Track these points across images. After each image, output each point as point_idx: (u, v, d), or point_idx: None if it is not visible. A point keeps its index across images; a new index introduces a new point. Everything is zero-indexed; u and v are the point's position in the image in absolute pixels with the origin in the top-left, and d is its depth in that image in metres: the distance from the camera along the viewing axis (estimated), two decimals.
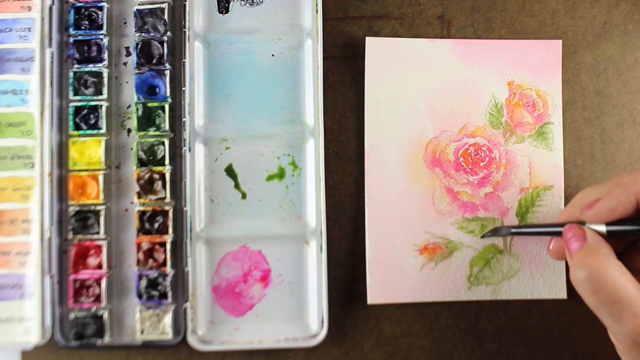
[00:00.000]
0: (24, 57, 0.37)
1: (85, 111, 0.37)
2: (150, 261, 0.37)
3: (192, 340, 0.37)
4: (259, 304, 0.38)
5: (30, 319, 0.36)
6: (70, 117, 0.37)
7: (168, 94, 0.38)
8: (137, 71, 0.38)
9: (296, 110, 0.39)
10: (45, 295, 0.37)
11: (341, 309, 0.39)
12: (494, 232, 0.38)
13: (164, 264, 0.37)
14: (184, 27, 0.38)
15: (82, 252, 0.37)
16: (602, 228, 0.32)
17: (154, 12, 0.38)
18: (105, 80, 0.38)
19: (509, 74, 0.39)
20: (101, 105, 0.37)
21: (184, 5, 0.38)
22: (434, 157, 0.39)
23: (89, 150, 0.37)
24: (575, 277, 0.30)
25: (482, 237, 0.38)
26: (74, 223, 0.37)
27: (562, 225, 0.34)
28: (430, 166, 0.39)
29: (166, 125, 0.37)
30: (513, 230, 0.37)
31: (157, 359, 0.38)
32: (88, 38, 0.38)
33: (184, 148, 0.38)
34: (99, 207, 0.37)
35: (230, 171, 0.39)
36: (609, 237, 0.32)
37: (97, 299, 0.37)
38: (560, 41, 0.40)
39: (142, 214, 0.37)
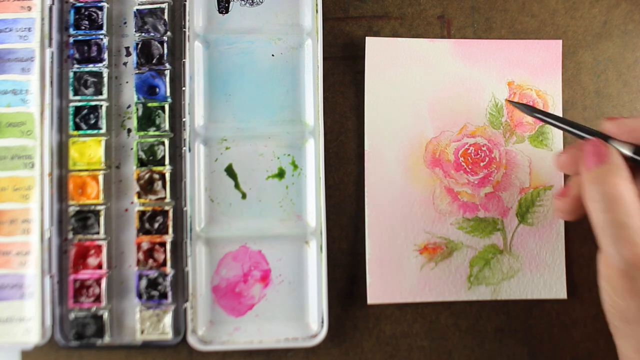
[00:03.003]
0: (24, 57, 0.37)
1: (85, 111, 0.37)
2: (150, 261, 0.37)
3: (192, 340, 0.37)
4: (259, 304, 0.38)
5: (30, 319, 0.36)
6: (70, 117, 0.37)
7: (168, 94, 0.38)
8: (137, 71, 0.38)
9: (296, 110, 0.39)
10: (45, 295, 0.37)
11: (341, 309, 0.39)
12: (522, 106, 0.35)
13: (164, 264, 0.37)
14: (184, 27, 0.38)
15: (82, 252, 0.37)
16: (628, 152, 0.31)
17: (154, 12, 0.38)
18: (105, 80, 0.38)
19: (509, 74, 0.39)
20: (101, 105, 0.37)
21: (184, 5, 0.38)
22: (434, 157, 0.39)
23: (89, 150, 0.37)
24: (590, 192, 0.30)
25: (510, 102, 0.37)
26: (74, 223, 0.37)
27: (592, 133, 0.32)
28: (430, 166, 0.39)
29: (166, 125, 0.37)
30: (537, 114, 0.35)
31: (157, 359, 0.38)
32: (88, 38, 0.38)
33: (184, 148, 0.38)
34: (99, 207, 0.37)
35: (230, 171, 0.39)
36: (628, 160, 0.31)
37: (97, 299, 0.37)
38: (560, 41, 0.40)
39: (142, 214, 0.37)
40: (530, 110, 0.35)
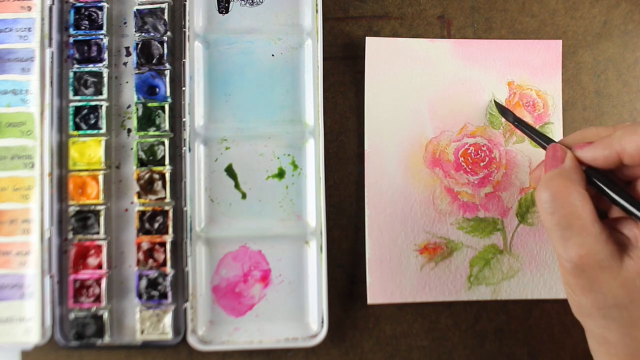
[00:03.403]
0: (24, 57, 0.37)
1: (85, 111, 0.37)
2: (150, 261, 0.37)
3: (192, 340, 0.37)
4: (259, 304, 0.38)
5: (30, 319, 0.36)
6: (70, 117, 0.37)
7: (168, 94, 0.38)
8: (137, 71, 0.38)
9: (296, 110, 0.39)
10: (45, 295, 0.37)
11: (341, 309, 0.39)
12: (503, 110, 0.38)
13: (164, 264, 0.37)
14: (184, 27, 0.38)
15: (82, 252, 0.37)
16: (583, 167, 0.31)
17: (154, 12, 0.38)
18: (105, 80, 0.38)
19: (509, 74, 0.39)
20: (101, 105, 0.37)
21: (184, 5, 0.38)
22: (434, 157, 0.39)
23: (89, 150, 0.37)
24: (539, 194, 0.30)
25: (494, 101, 0.38)
26: (74, 223, 0.37)
27: (552, 141, 0.33)
28: (430, 166, 0.39)
29: (166, 125, 0.37)
30: (516, 121, 0.36)
31: (157, 359, 0.38)
32: (88, 38, 0.38)
33: (184, 148, 0.38)
34: (99, 207, 0.37)
35: (230, 171, 0.39)
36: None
37: (97, 299, 0.37)
38: (560, 41, 0.40)
39: (142, 214, 0.37)
40: (514, 119, 0.37)
